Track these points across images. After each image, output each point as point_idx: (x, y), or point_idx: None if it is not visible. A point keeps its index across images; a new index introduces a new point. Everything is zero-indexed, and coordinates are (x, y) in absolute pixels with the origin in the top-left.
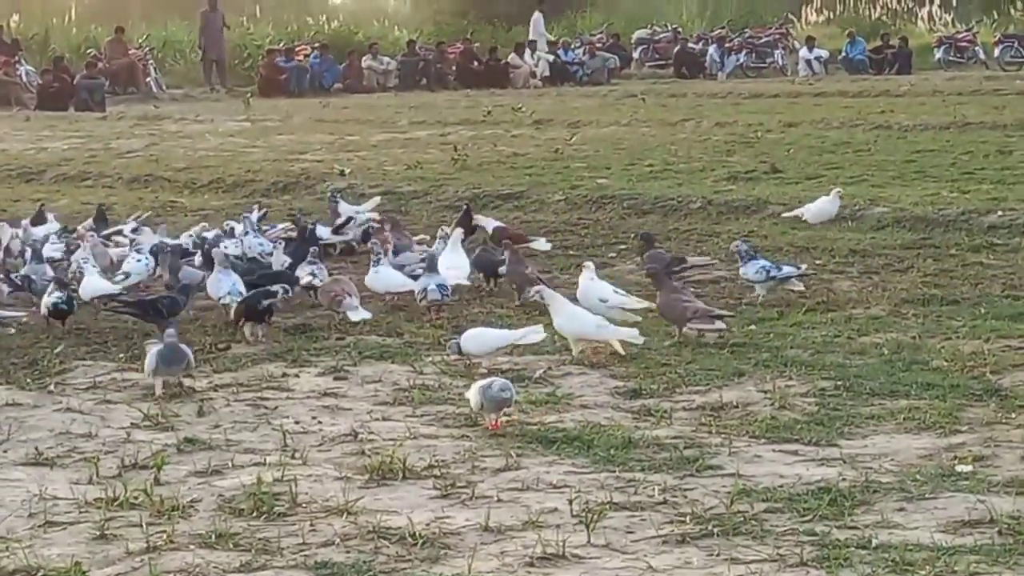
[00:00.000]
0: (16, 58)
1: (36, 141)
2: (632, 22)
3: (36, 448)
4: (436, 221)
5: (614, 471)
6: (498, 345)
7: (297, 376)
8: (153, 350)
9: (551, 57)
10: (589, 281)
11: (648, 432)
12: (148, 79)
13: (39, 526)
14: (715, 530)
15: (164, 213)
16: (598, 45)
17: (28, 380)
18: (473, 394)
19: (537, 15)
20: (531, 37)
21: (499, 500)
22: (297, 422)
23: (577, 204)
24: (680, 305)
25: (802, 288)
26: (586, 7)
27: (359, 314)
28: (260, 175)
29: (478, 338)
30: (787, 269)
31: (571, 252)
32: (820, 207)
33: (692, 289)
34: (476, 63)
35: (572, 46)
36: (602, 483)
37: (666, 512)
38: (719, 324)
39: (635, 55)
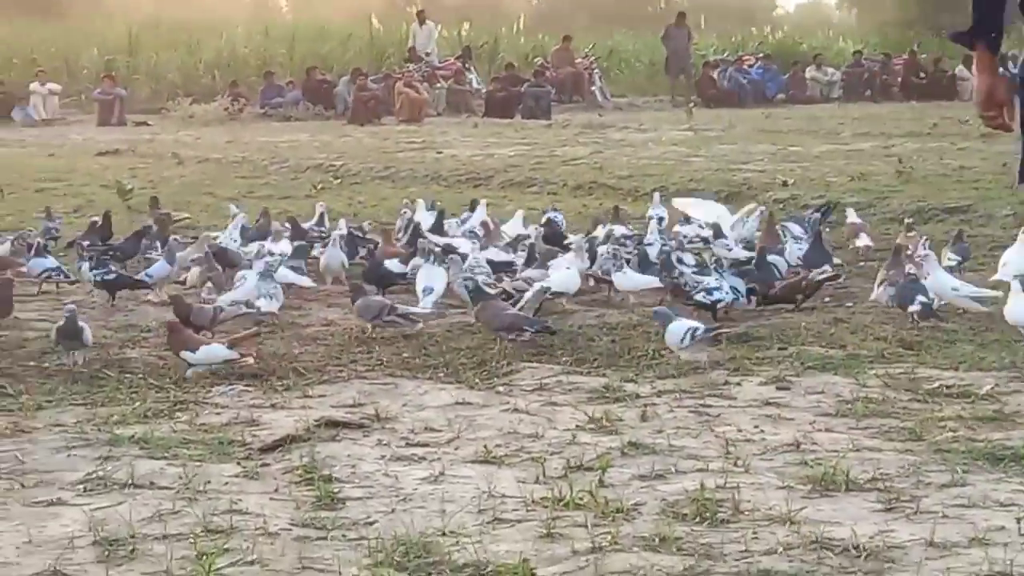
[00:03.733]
0: (466, 66)
1: (484, 147)
2: None
3: (485, 447)
4: (880, 233)
5: None
6: None
7: (739, 384)
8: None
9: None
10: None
11: None
12: (593, 88)
13: (488, 522)
14: None
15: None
16: None
17: (477, 380)
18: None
19: None
20: None
21: (944, 516)
22: (739, 430)
23: None
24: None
25: None
26: None
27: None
28: (702, 184)
29: None
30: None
31: None
32: None
33: None
34: (921, 75)
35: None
36: None
37: None
38: None
39: None
